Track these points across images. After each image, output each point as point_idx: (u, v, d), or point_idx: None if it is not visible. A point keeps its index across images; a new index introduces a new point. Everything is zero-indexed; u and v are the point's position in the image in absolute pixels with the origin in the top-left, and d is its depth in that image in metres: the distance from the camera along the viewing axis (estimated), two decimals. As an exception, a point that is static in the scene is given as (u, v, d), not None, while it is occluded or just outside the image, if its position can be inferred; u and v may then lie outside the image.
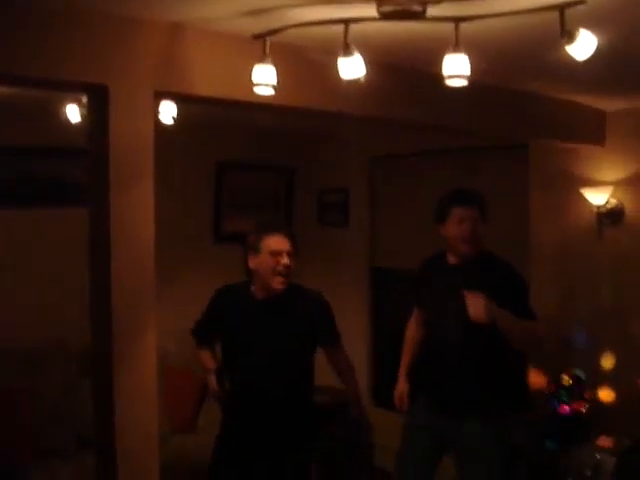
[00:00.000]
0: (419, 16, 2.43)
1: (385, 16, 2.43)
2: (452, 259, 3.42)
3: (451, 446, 3.43)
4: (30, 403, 4.34)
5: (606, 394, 4.37)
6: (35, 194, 4.86)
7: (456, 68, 2.47)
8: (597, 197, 4.60)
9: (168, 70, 2.76)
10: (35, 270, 4.71)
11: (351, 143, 6.00)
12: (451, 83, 2.54)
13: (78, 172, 4.69)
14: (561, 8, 2.37)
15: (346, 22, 2.48)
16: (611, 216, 4.63)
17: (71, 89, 3.04)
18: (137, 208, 2.72)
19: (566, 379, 4.41)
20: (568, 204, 4.84)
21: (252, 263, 3.16)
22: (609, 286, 4.63)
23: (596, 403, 4.36)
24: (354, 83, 2.61)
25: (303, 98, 3.16)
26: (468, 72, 2.49)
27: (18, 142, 4.61)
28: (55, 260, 4.73)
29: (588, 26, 2.40)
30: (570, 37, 2.39)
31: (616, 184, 4.60)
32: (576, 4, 2.36)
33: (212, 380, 3.23)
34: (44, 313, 4.63)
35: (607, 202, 4.61)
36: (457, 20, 2.46)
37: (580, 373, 4.43)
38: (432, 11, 2.44)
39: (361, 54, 2.51)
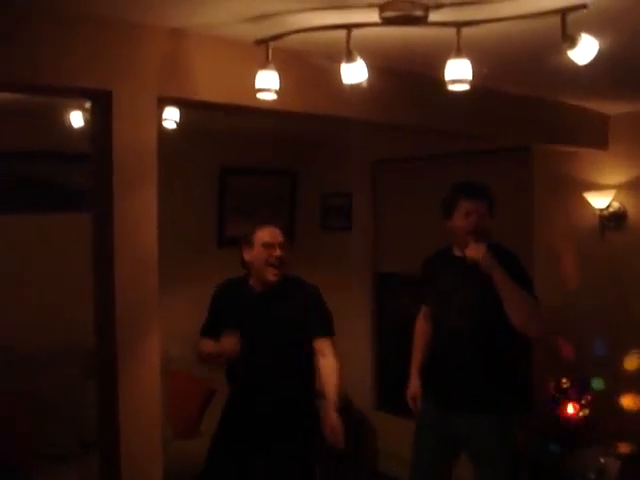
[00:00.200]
0: (421, 21, 2.44)
1: (387, 21, 2.44)
2: (458, 252, 3.42)
3: (461, 444, 3.44)
4: (34, 406, 4.35)
5: (630, 401, 4.33)
6: (38, 199, 4.88)
7: (458, 73, 2.48)
8: (600, 201, 4.61)
9: (171, 75, 2.77)
10: (38, 274, 4.73)
11: (354, 147, 6.01)
12: (453, 88, 2.55)
13: (80, 177, 4.72)
14: (563, 13, 2.38)
15: (348, 27, 2.49)
16: (614, 220, 4.63)
17: (75, 95, 3.04)
18: (140, 213, 2.72)
19: (564, 382, 4.40)
20: (571, 208, 4.84)
21: (247, 256, 3.31)
22: (612, 289, 4.62)
23: (595, 408, 4.35)
24: (356, 88, 2.62)
25: (306, 103, 3.16)
26: (470, 77, 2.50)
27: (19, 147, 4.63)
28: (58, 264, 4.75)
29: (590, 31, 2.41)
30: (572, 42, 2.40)
31: (619, 188, 4.61)
32: (578, 9, 2.36)
33: (231, 338, 3.23)
34: (48, 316, 4.65)
35: (609, 206, 4.61)
36: (459, 25, 2.47)
37: (598, 384, 4.39)
38: (434, 16, 2.45)
39: (363, 59, 2.52)
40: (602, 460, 4.14)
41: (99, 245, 2.79)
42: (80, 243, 3.35)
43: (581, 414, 4.33)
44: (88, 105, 3.28)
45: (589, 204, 4.66)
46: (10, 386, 4.31)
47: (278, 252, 3.26)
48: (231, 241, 5.69)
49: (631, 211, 4.60)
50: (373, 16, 2.45)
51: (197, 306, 3.58)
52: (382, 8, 2.42)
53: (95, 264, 2.82)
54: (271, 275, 3.25)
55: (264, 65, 2.68)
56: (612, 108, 4.60)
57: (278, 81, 2.69)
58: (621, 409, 4.30)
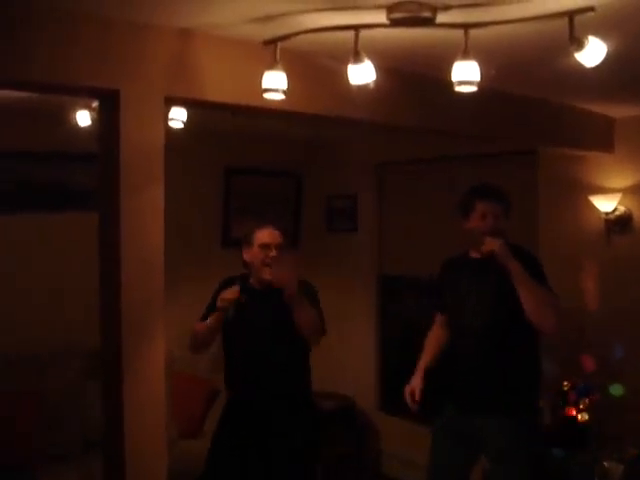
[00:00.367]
0: (429, 23, 2.44)
1: (395, 23, 2.45)
2: (474, 254, 3.44)
3: (481, 446, 3.44)
4: (36, 406, 4.35)
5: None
6: (41, 198, 4.88)
7: (466, 74, 2.48)
8: (605, 204, 4.60)
9: (179, 75, 2.77)
10: (41, 273, 4.73)
11: (359, 149, 6.01)
12: (461, 89, 2.55)
13: (84, 177, 4.73)
14: (570, 15, 2.38)
15: (356, 28, 2.49)
16: (619, 223, 4.62)
17: (82, 94, 3.05)
18: (147, 212, 2.73)
19: (565, 385, 4.39)
20: (576, 211, 4.83)
21: (246, 256, 3.44)
22: (617, 293, 4.61)
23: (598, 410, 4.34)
24: (363, 89, 2.62)
25: (313, 104, 3.17)
26: (478, 78, 2.50)
27: (21, 146, 4.62)
28: (60, 263, 4.76)
29: (597, 33, 2.41)
30: (579, 44, 2.40)
31: (624, 191, 4.60)
32: (585, 11, 2.36)
33: (232, 288, 3.33)
34: (49, 316, 4.66)
35: (615, 209, 4.60)
36: (466, 27, 2.47)
37: (617, 390, 4.35)
38: (441, 18, 2.45)
39: (370, 60, 2.52)
40: (606, 464, 4.13)
41: (105, 245, 2.79)
42: (83, 243, 3.36)
43: (579, 417, 4.31)
44: (95, 104, 3.30)
45: (595, 208, 4.65)
46: (11, 386, 4.32)
47: (274, 253, 3.35)
48: (236, 241, 5.65)
49: (637, 214, 4.59)
50: (381, 17, 2.45)
51: (202, 306, 3.59)
52: (390, 9, 2.42)
53: (101, 264, 2.83)
54: (267, 274, 3.33)
55: (272, 65, 2.68)
56: (618, 111, 4.60)
57: (286, 81, 2.69)
58: (625, 413, 4.29)
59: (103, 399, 2.87)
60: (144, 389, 2.74)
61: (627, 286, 4.57)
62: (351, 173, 6.18)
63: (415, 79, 3.52)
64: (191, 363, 4.87)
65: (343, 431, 5.67)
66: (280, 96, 2.71)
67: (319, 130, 5.19)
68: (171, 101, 2.96)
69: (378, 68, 2.58)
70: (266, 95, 2.72)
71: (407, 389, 3.62)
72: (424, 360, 3.70)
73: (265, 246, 3.37)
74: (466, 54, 2.47)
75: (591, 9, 2.36)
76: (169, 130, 3.52)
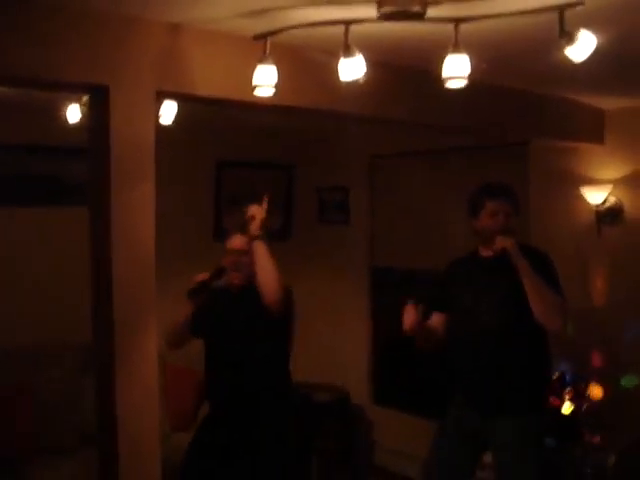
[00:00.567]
0: (419, 17, 2.44)
1: (385, 17, 2.44)
2: (485, 252, 3.44)
3: (487, 444, 3.44)
4: (31, 401, 4.35)
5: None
6: (34, 192, 4.87)
7: (456, 69, 2.49)
8: (596, 196, 4.62)
9: (169, 70, 2.77)
10: (35, 268, 4.72)
11: (351, 141, 6.01)
12: (451, 84, 2.56)
13: (78, 171, 4.71)
14: (560, 9, 2.39)
15: (347, 23, 2.50)
16: (610, 214, 4.64)
17: (72, 89, 3.05)
18: (138, 207, 2.73)
19: (555, 375, 4.42)
20: (567, 203, 4.85)
21: (224, 261, 3.49)
22: (608, 284, 4.64)
23: (592, 402, 4.37)
24: (354, 83, 2.62)
25: (303, 98, 3.17)
26: (468, 73, 2.51)
27: (17, 140, 4.62)
28: (54, 258, 4.75)
29: (587, 27, 2.42)
30: (569, 38, 2.41)
31: (615, 183, 4.62)
32: (575, 5, 2.37)
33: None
34: (45, 311, 4.65)
35: (606, 200, 4.62)
36: (457, 21, 2.48)
37: (630, 381, 4.37)
38: (432, 12, 2.45)
39: (362, 54, 2.52)
40: (598, 454, 4.16)
41: (97, 239, 2.79)
42: (79, 237, 3.35)
43: (563, 408, 4.34)
44: (85, 98, 3.29)
45: (585, 199, 4.67)
46: (8, 380, 4.32)
47: (235, 258, 3.42)
48: (227, 234, 5.71)
49: (627, 206, 4.61)
50: (371, 11, 2.45)
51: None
52: (380, 3, 2.41)
53: (93, 258, 2.83)
54: (233, 278, 3.46)
55: (262, 60, 2.68)
56: (608, 103, 4.61)
57: (276, 76, 2.69)
58: (616, 402, 4.32)
59: (96, 394, 2.88)
60: (137, 383, 2.75)
61: (618, 277, 4.60)
62: (343, 165, 6.18)
63: (406, 72, 3.52)
64: (183, 356, 4.87)
65: (336, 423, 5.68)
66: (270, 91, 2.71)
67: (311, 123, 5.18)
68: (161, 95, 2.95)
69: (369, 62, 2.58)
70: (256, 90, 2.72)
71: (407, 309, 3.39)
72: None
73: (231, 252, 3.45)
74: (456, 48, 2.48)
75: (581, 3, 2.37)
76: (159, 124, 3.51)
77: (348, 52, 2.50)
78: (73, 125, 3.89)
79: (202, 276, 3.41)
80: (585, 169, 4.78)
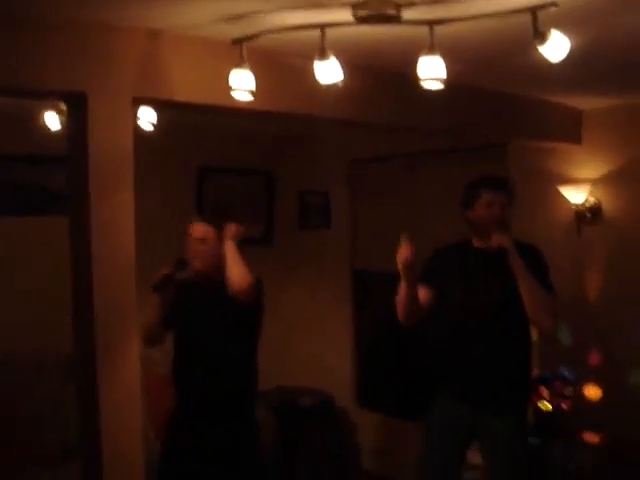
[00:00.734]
0: (394, 20, 2.46)
1: (361, 20, 2.46)
2: (479, 243, 3.42)
3: (477, 438, 3.44)
4: (14, 411, 4.32)
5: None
6: (16, 202, 4.84)
7: (431, 71, 2.50)
8: (575, 195, 4.65)
9: (147, 76, 2.77)
10: (18, 278, 4.69)
11: (331, 145, 6.01)
12: (427, 86, 2.57)
13: (59, 180, 4.69)
14: (533, 10, 2.41)
15: (322, 27, 2.51)
16: (589, 214, 4.67)
17: (49, 97, 3.04)
18: (118, 215, 2.72)
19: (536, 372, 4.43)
20: (547, 203, 4.88)
21: (186, 247, 3.47)
22: (588, 284, 4.67)
23: (579, 400, 4.39)
24: (333, 87, 2.63)
25: (281, 102, 3.18)
26: (444, 75, 2.52)
27: (3, 150, 4.58)
28: (38, 268, 4.71)
29: (561, 28, 2.44)
30: (543, 39, 2.43)
31: (594, 182, 4.65)
32: (548, 6, 2.39)
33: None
34: (28, 321, 4.61)
35: (585, 200, 4.65)
36: (431, 23, 2.49)
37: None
38: (407, 14, 2.47)
39: (338, 57, 2.54)
40: (580, 451, 4.18)
41: (76, 248, 2.79)
42: (60, 247, 3.34)
43: (540, 405, 4.37)
44: (64, 107, 3.28)
45: (565, 199, 4.70)
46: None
47: (194, 246, 3.41)
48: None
49: (606, 205, 4.65)
50: (347, 15, 2.47)
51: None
52: (355, 7, 2.44)
53: (73, 267, 2.82)
54: (194, 264, 3.40)
55: (239, 65, 2.69)
56: (585, 103, 4.65)
57: (253, 81, 2.69)
58: (591, 400, 4.35)
59: (79, 402, 2.87)
60: (120, 391, 2.75)
61: (597, 276, 4.64)
62: (323, 169, 6.18)
63: (383, 76, 3.54)
64: (166, 363, 4.85)
65: (321, 427, 5.68)
66: (247, 96, 2.72)
67: (290, 127, 5.19)
68: (140, 102, 2.96)
69: (346, 65, 2.59)
70: (234, 95, 2.73)
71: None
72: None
73: (190, 239, 3.44)
74: (431, 50, 2.49)
75: (554, 4, 2.40)
76: (139, 130, 3.51)
77: (323, 55, 2.51)
78: (52, 133, 3.88)
79: (165, 269, 3.37)
80: (564, 169, 4.81)
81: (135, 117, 3.42)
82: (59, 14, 2.49)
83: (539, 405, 4.37)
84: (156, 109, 3.62)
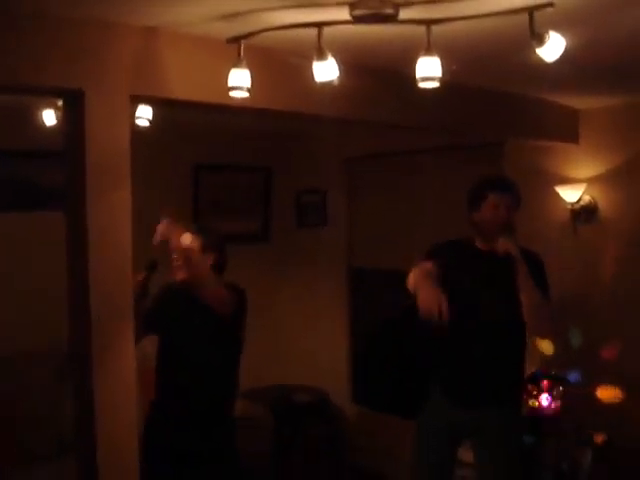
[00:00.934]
0: (391, 19, 2.46)
1: (358, 19, 2.46)
2: (483, 245, 3.40)
3: (471, 436, 3.45)
4: (9, 409, 4.32)
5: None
6: (12, 197, 4.84)
7: (428, 70, 2.51)
8: (571, 194, 4.66)
9: (144, 74, 2.77)
10: (14, 274, 4.68)
11: (328, 143, 6.01)
12: (424, 85, 2.58)
13: (55, 175, 4.68)
14: (530, 11, 2.42)
15: (319, 25, 2.51)
16: (585, 213, 4.68)
17: (47, 94, 3.04)
18: (115, 212, 2.72)
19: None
20: (543, 202, 4.89)
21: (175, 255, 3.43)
22: (583, 283, 4.68)
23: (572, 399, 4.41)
24: (329, 85, 2.63)
25: (278, 100, 3.18)
26: (440, 74, 2.53)
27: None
28: (34, 264, 4.71)
29: (557, 28, 2.45)
30: (540, 39, 2.44)
31: (589, 181, 4.66)
32: (545, 7, 2.40)
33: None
34: (24, 318, 4.61)
35: (581, 199, 4.66)
36: (428, 22, 2.50)
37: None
38: (404, 14, 2.47)
39: (335, 56, 2.54)
40: (574, 450, 4.19)
41: (73, 243, 2.78)
42: (57, 242, 3.34)
43: (530, 403, 4.38)
44: (60, 103, 3.28)
45: (561, 198, 4.71)
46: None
47: (174, 257, 3.37)
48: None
49: (602, 204, 4.66)
50: (344, 14, 2.47)
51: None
52: (352, 6, 2.44)
53: (69, 264, 2.82)
54: (176, 273, 3.38)
55: (236, 63, 2.69)
56: (582, 102, 4.65)
57: (250, 79, 2.70)
58: (593, 400, 4.35)
59: (74, 398, 2.87)
60: (115, 388, 2.74)
61: (593, 275, 4.65)
62: (320, 167, 6.19)
63: (381, 74, 3.54)
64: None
65: (317, 423, 5.69)
66: (245, 94, 2.72)
67: (288, 125, 5.19)
68: (137, 99, 2.96)
69: (343, 64, 2.59)
70: (231, 93, 2.73)
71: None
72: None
73: (180, 249, 3.38)
74: (428, 50, 2.50)
75: (550, 5, 2.40)
76: (136, 127, 3.51)
77: (321, 55, 2.51)
78: (49, 129, 3.88)
79: (139, 277, 3.33)
80: (560, 168, 4.82)
81: (132, 114, 3.43)
82: (57, 11, 2.49)
83: (529, 403, 4.38)
84: (153, 107, 3.63)
